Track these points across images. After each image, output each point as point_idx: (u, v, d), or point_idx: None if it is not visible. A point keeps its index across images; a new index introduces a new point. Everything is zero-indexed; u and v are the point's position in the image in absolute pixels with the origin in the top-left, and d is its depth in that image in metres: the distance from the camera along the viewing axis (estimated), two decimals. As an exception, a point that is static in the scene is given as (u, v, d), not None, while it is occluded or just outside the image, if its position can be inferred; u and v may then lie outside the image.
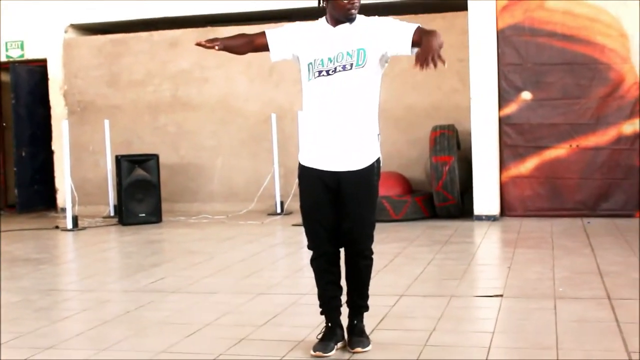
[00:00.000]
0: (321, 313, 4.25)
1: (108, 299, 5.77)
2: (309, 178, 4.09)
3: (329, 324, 4.20)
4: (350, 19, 4.00)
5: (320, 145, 4.03)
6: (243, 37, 4.19)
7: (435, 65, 3.63)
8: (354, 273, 4.18)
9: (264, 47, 4.12)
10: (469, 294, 5.63)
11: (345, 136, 3.98)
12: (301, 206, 4.18)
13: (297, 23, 4.18)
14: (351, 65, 3.95)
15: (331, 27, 4.03)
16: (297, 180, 4.28)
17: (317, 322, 4.29)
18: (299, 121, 4.25)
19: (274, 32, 4.12)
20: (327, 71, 3.96)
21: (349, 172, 4.01)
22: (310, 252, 4.20)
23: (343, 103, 3.96)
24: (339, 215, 4.08)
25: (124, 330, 4.83)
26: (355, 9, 3.97)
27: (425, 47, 3.68)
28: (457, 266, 6.56)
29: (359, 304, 4.22)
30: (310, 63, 4.00)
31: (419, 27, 3.95)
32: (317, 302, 4.26)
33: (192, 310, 5.31)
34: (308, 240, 4.18)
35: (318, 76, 3.97)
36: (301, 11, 10.90)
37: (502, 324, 4.70)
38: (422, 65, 3.63)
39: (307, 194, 4.13)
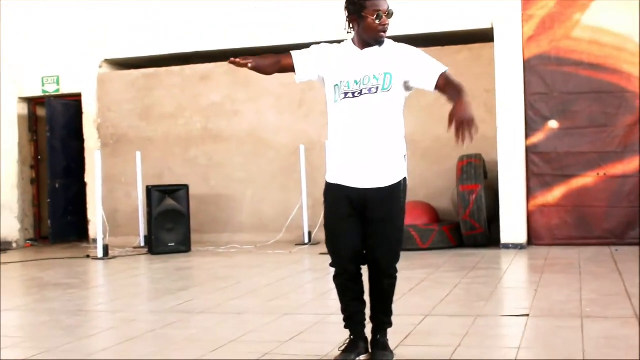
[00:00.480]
0: (345, 327, 4.27)
1: (135, 319, 5.85)
2: (335, 195, 4.10)
3: (352, 337, 4.23)
4: (379, 42, 4.05)
5: (347, 164, 4.05)
6: (271, 58, 4.22)
7: (471, 139, 3.71)
8: (378, 291, 4.20)
9: (290, 68, 4.14)
10: (495, 314, 5.63)
11: (372, 154, 4.02)
12: (325, 224, 4.20)
13: (323, 44, 4.18)
14: (377, 88, 3.99)
15: (358, 49, 4.07)
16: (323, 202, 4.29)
17: (342, 339, 4.30)
18: (327, 144, 4.25)
19: (299, 53, 4.15)
20: (353, 93, 4.00)
21: (376, 189, 4.03)
22: (333, 270, 4.22)
23: (369, 124, 4.01)
24: (365, 233, 4.09)
25: (150, 346, 4.90)
26: (385, 32, 4.04)
27: (461, 118, 3.74)
28: (484, 289, 6.56)
29: (382, 320, 4.24)
30: (337, 85, 4.04)
31: (446, 71, 4.03)
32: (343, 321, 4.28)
33: (218, 328, 5.36)
34: (331, 256, 4.20)
35: (344, 98, 4.02)
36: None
37: (528, 341, 4.70)
38: (461, 139, 3.72)
39: (332, 211, 4.14)
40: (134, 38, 11.77)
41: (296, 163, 10.76)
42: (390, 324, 4.26)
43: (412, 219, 9.41)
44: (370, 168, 4.03)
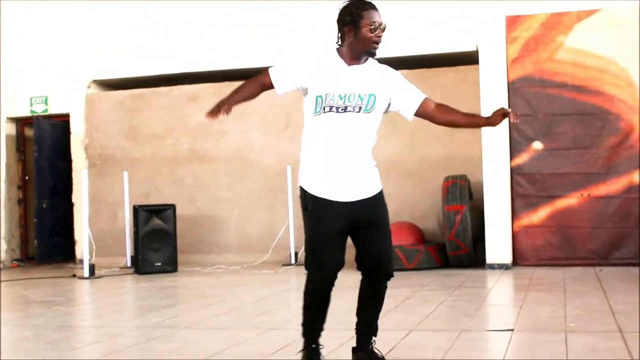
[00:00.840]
0: (308, 340, 4.24)
1: (119, 334, 5.84)
2: (325, 211, 4.05)
3: (313, 346, 4.24)
4: (372, 54, 4.09)
5: (333, 177, 4.05)
6: (250, 83, 4.19)
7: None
8: (377, 295, 4.24)
9: (270, 85, 4.13)
10: (480, 329, 5.65)
11: (357, 168, 4.07)
12: (311, 239, 4.11)
13: (305, 57, 4.16)
14: (360, 108, 4.04)
15: (345, 64, 4.09)
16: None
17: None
18: (302, 153, 4.25)
19: (277, 69, 4.12)
20: (337, 108, 4.02)
21: (365, 200, 4.08)
22: (306, 281, 4.18)
23: (351, 140, 4.05)
24: (361, 241, 4.12)
25: (134, 359, 4.90)
26: (379, 45, 4.08)
27: (504, 111, 4.10)
28: (469, 306, 6.59)
29: (373, 327, 4.28)
30: (320, 96, 4.03)
31: (427, 98, 4.15)
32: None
33: (202, 342, 5.36)
34: (312, 271, 4.14)
35: (328, 111, 4.02)
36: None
37: (512, 354, 4.72)
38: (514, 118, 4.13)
39: (321, 227, 4.06)
40: (122, 59, 11.83)
41: (282, 184, 10.80)
42: (377, 329, 4.31)
43: (398, 239, 9.42)
44: (356, 181, 4.08)
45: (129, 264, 10.87)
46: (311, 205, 4.09)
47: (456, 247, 9.25)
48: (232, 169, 11.48)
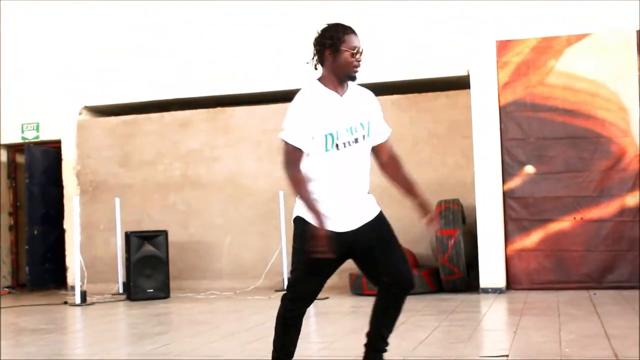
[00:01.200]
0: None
1: (113, 362, 5.80)
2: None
3: None
4: (353, 78, 4.10)
5: (338, 210, 4.04)
6: (297, 175, 4.00)
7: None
8: (396, 307, 4.26)
9: (301, 152, 4.01)
10: (474, 355, 5.62)
11: (361, 197, 4.13)
12: (304, 265, 4.06)
13: (300, 104, 4.05)
14: (363, 136, 4.10)
15: (337, 95, 4.08)
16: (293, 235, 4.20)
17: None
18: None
19: (292, 136, 3.99)
20: (349, 142, 4.04)
21: (369, 222, 4.12)
22: (285, 305, 4.20)
23: (359, 170, 4.11)
24: (378, 259, 4.12)
25: (128, 387, 4.86)
26: (359, 68, 4.10)
27: (432, 215, 4.32)
28: (463, 331, 6.56)
29: (387, 339, 4.31)
30: (330, 134, 4.00)
31: (389, 136, 4.28)
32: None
33: (196, 370, 5.32)
34: (295, 294, 4.14)
35: (339, 147, 4.02)
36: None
37: (505, 380, 4.71)
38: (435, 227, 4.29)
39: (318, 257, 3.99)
40: (114, 85, 11.84)
41: (275, 209, 10.77)
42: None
43: (391, 264, 9.42)
44: (360, 209, 4.12)
45: (121, 291, 10.80)
46: (309, 233, 3.97)
47: (449, 271, 9.23)
48: (225, 194, 11.46)
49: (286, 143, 4.01)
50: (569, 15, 9.49)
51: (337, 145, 4.02)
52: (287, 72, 10.84)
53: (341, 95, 4.10)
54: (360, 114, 4.10)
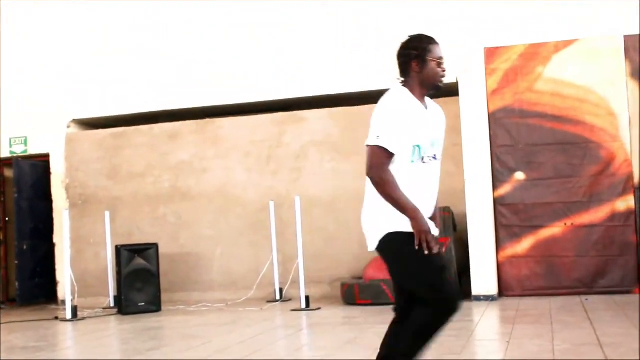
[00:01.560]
0: None
1: (105, 380, 5.75)
2: None
3: None
4: (439, 88, 4.06)
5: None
6: (390, 179, 3.86)
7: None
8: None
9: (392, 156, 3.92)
10: (467, 367, 5.62)
11: (431, 214, 4.03)
12: (429, 263, 3.84)
13: (396, 109, 3.91)
14: (439, 153, 4.04)
15: (423, 107, 4.00)
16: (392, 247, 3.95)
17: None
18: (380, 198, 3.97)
19: (389, 141, 3.86)
20: (430, 156, 3.96)
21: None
22: (440, 313, 3.94)
23: (435, 187, 4.03)
24: None
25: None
26: (444, 77, 4.07)
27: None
28: (456, 342, 6.54)
29: None
30: (418, 146, 3.91)
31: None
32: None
33: (189, 387, 5.29)
34: (442, 294, 3.88)
35: (424, 160, 3.94)
36: (299, 101, 11.21)
37: (500, 392, 4.69)
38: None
39: (433, 255, 3.87)
40: (102, 98, 11.80)
41: (265, 219, 10.75)
42: None
43: (383, 273, 9.39)
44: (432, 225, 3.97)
45: (112, 304, 10.75)
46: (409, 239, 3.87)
47: (442, 279, 9.20)
48: (215, 205, 11.43)
49: (377, 147, 3.85)
50: (557, 21, 9.53)
51: (422, 158, 3.94)
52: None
53: (426, 108, 4.03)
54: (438, 130, 4.04)
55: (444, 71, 4.04)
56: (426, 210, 3.95)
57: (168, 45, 11.59)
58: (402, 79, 4.06)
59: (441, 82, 4.05)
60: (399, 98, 3.95)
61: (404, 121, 3.87)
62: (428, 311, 3.90)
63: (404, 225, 3.83)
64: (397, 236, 3.87)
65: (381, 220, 3.92)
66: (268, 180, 11.19)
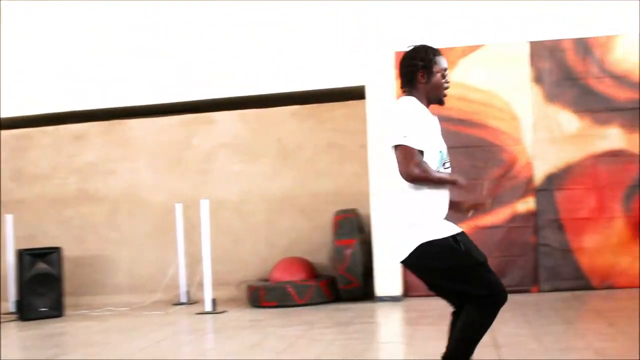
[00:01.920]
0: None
1: (-3, 391, 5.58)
2: (463, 240, 4.07)
3: None
4: (442, 101, 4.10)
5: None
6: (429, 169, 4.01)
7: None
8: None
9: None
10: (366, 370, 5.65)
11: None
12: (474, 263, 4.06)
13: (418, 114, 4.00)
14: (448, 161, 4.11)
15: (432, 115, 4.06)
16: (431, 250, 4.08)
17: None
18: (421, 206, 4.11)
19: (415, 141, 3.94)
20: (448, 163, 4.10)
21: None
22: (490, 308, 4.07)
23: (450, 194, 4.18)
24: None
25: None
26: (447, 90, 4.11)
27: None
28: (359, 345, 6.58)
29: None
30: (441, 152, 4.04)
31: None
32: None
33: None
34: (494, 289, 4.04)
35: (446, 166, 4.07)
36: (206, 103, 11.10)
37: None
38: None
39: (474, 251, 4.10)
40: (4, 98, 11.43)
41: (173, 222, 10.60)
42: None
43: (289, 275, 9.47)
44: None
45: (12, 310, 10.44)
46: (461, 242, 4.05)
47: (347, 281, 9.28)
48: (122, 208, 11.24)
49: (406, 146, 3.90)
50: (465, 26, 9.65)
51: (444, 164, 4.03)
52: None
53: (433, 115, 4.08)
54: (444, 141, 4.10)
55: (447, 82, 4.09)
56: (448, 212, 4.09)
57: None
58: (407, 88, 4.09)
59: (445, 94, 4.09)
60: (417, 105, 4.01)
61: (425, 125, 3.96)
62: (480, 308, 4.04)
63: (438, 233, 3.97)
64: (442, 240, 3.99)
65: (413, 231, 4.00)
66: (175, 182, 11.06)
